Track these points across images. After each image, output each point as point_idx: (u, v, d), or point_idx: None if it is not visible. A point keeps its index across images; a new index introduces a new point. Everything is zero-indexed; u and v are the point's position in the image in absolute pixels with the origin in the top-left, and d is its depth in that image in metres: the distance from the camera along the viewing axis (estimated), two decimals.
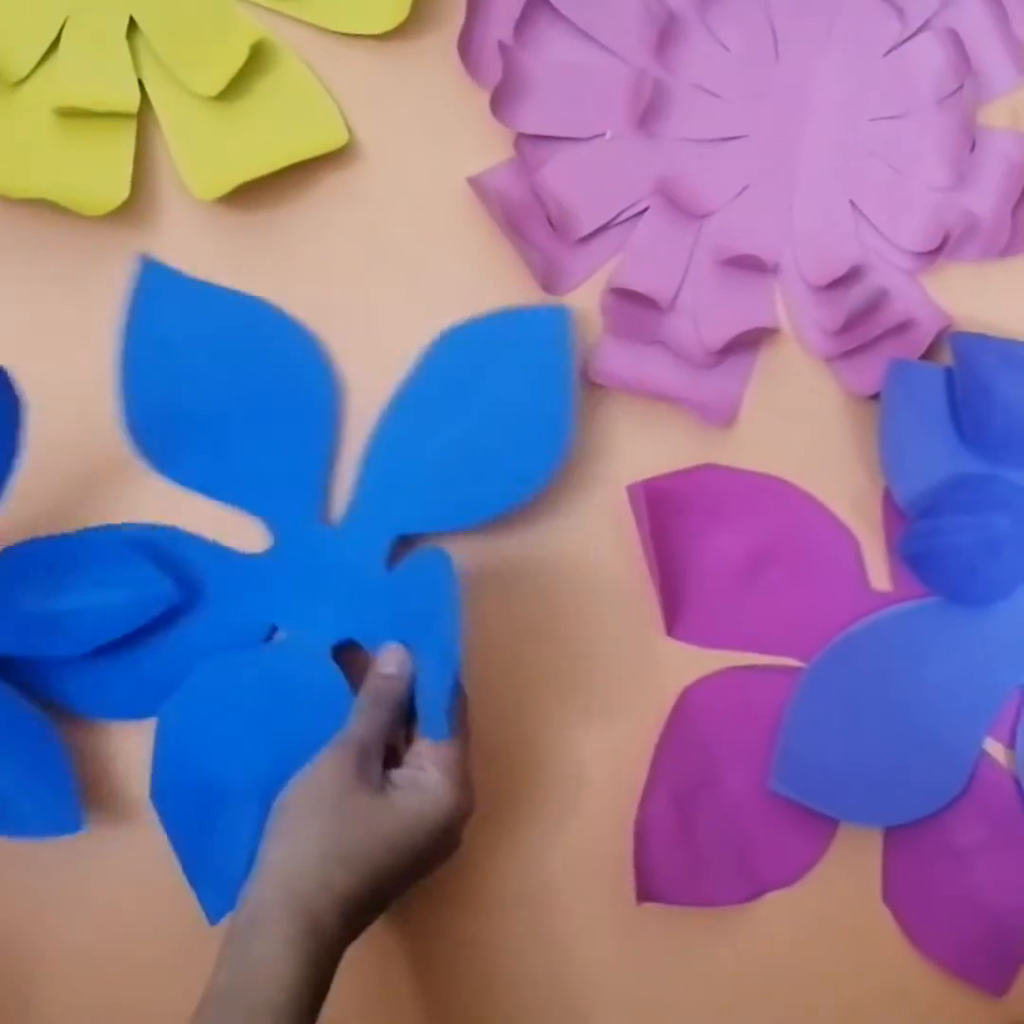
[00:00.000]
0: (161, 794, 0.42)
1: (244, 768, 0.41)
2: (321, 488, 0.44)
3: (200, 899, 0.41)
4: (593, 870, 0.44)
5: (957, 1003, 0.44)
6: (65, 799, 0.40)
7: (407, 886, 0.38)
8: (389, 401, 0.44)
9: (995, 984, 0.44)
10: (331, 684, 0.42)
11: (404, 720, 0.41)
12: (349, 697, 0.42)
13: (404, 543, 0.43)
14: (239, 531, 0.43)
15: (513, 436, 0.43)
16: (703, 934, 0.44)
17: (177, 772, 0.41)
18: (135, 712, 0.42)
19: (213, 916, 0.41)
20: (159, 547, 0.42)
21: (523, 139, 0.44)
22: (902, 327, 0.45)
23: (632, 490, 0.43)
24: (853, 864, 0.44)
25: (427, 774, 0.38)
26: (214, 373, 0.43)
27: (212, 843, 0.41)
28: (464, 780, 0.39)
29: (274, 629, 0.43)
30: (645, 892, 0.42)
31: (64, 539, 0.41)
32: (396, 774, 0.39)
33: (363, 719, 0.40)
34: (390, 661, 0.40)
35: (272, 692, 0.42)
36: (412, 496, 0.43)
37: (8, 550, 0.41)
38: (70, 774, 0.40)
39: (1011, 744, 0.45)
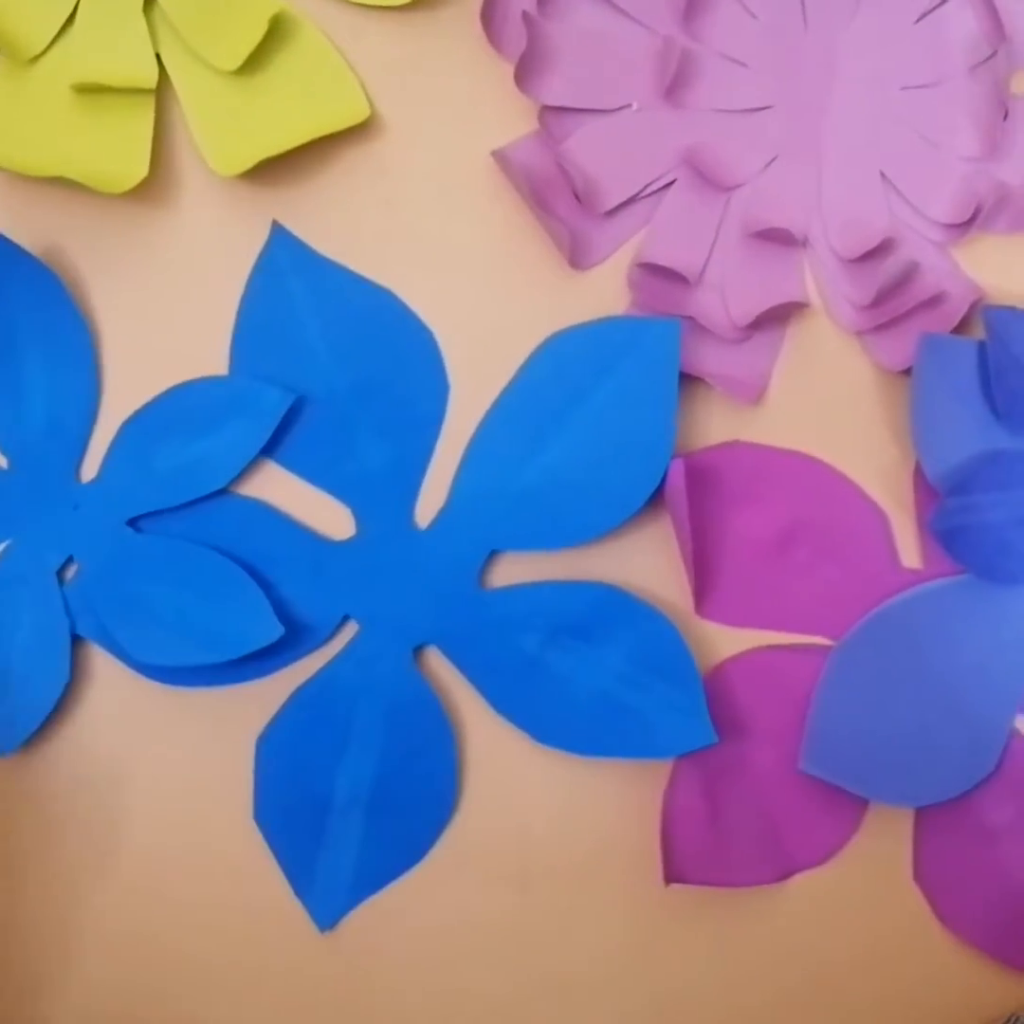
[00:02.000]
0: (263, 813, 0.42)
1: (343, 779, 0.42)
2: (415, 488, 0.43)
3: (308, 908, 0.43)
4: (619, 849, 0.43)
5: (989, 982, 0.44)
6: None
7: None
8: (492, 407, 0.43)
9: None
10: (413, 686, 0.43)
11: None
12: (434, 699, 0.42)
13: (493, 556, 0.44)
14: (321, 515, 0.44)
15: (613, 457, 0.42)
16: (731, 914, 0.44)
17: (278, 791, 0.42)
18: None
19: (322, 925, 0.43)
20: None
21: (547, 111, 0.44)
22: (934, 300, 0.44)
23: (673, 467, 0.42)
24: (883, 844, 0.44)
25: None
26: (327, 354, 0.43)
27: (317, 854, 0.42)
28: None
29: (346, 618, 0.43)
30: (673, 873, 0.42)
31: None
32: None
33: None
34: None
35: (358, 700, 0.43)
36: (508, 511, 0.43)
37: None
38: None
39: None
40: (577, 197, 0.43)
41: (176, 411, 0.43)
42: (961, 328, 0.44)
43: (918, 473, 0.44)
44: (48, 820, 0.44)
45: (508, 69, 0.43)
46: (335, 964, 0.43)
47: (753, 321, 0.43)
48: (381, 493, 0.43)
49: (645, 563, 0.44)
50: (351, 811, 0.42)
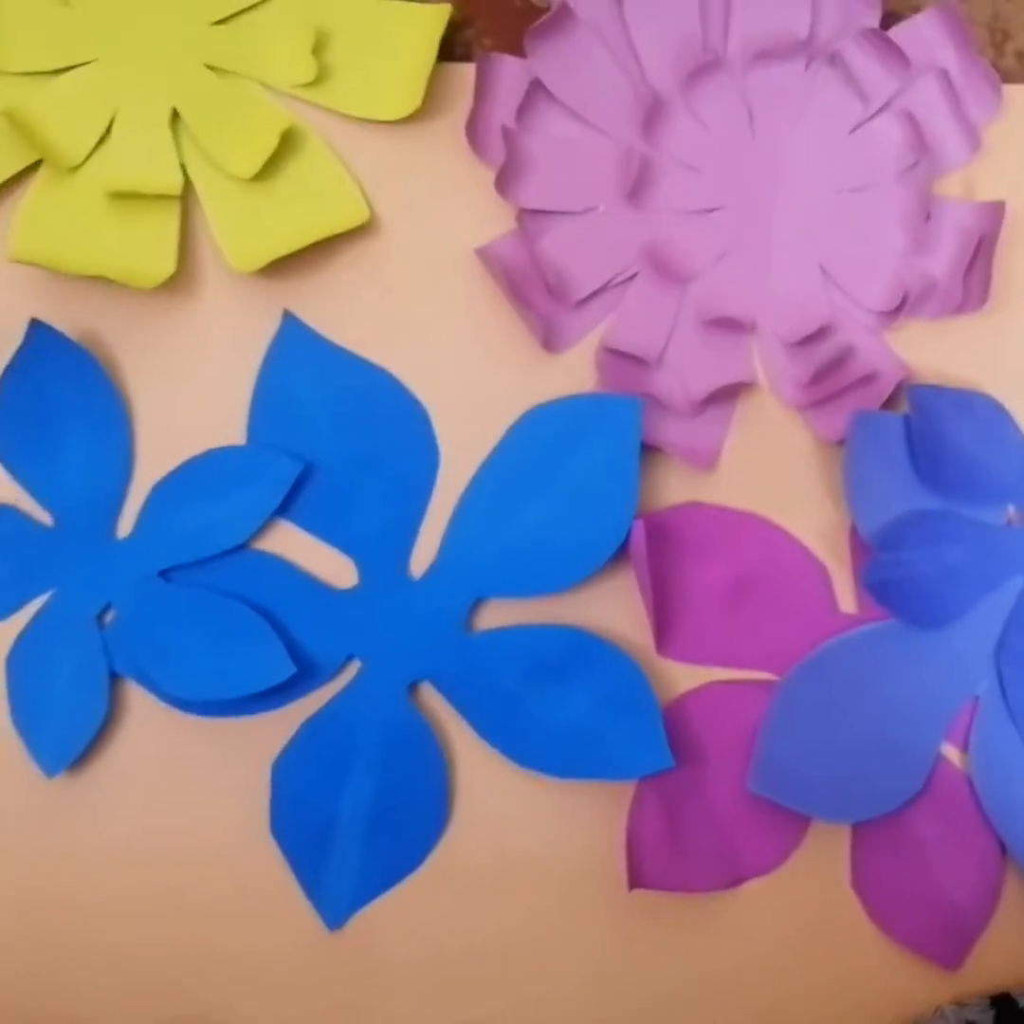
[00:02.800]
0: (279, 828, 0.47)
1: (348, 798, 0.47)
2: (410, 543, 0.48)
3: (318, 910, 0.47)
4: (590, 859, 0.47)
5: (917, 976, 0.48)
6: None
7: None
8: (477, 472, 0.48)
9: (950, 959, 0.48)
10: (409, 717, 0.47)
11: None
12: (427, 729, 0.47)
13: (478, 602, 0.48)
14: (328, 567, 0.48)
15: (583, 517, 0.46)
16: (689, 916, 0.48)
17: (291, 809, 0.47)
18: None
19: (330, 924, 0.47)
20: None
21: (524, 213, 0.48)
22: (866, 379, 0.48)
23: (635, 526, 0.46)
24: (824, 855, 0.48)
25: None
26: (332, 426, 0.48)
27: (325, 864, 0.47)
28: None
29: (349, 658, 0.47)
30: (637, 880, 0.46)
31: None
32: None
33: None
34: None
35: (361, 729, 0.47)
36: (491, 564, 0.47)
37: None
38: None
39: (965, 748, 0.48)
40: (550, 289, 0.48)
41: (200, 476, 0.48)
42: (890, 403, 0.49)
43: (853, 531, 0.48)
44: (90, 832, 0.47)
45: (489, 176, 0.48)
46: (341, 957, 0.47)
47: (706, 397, 0.48)
48: (380, 547, 0.48)
49: (611, 609, 0.48)
50: (354, 827, 0.47)
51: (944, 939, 0.48)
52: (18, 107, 0.47)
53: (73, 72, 0.48)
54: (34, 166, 0.48)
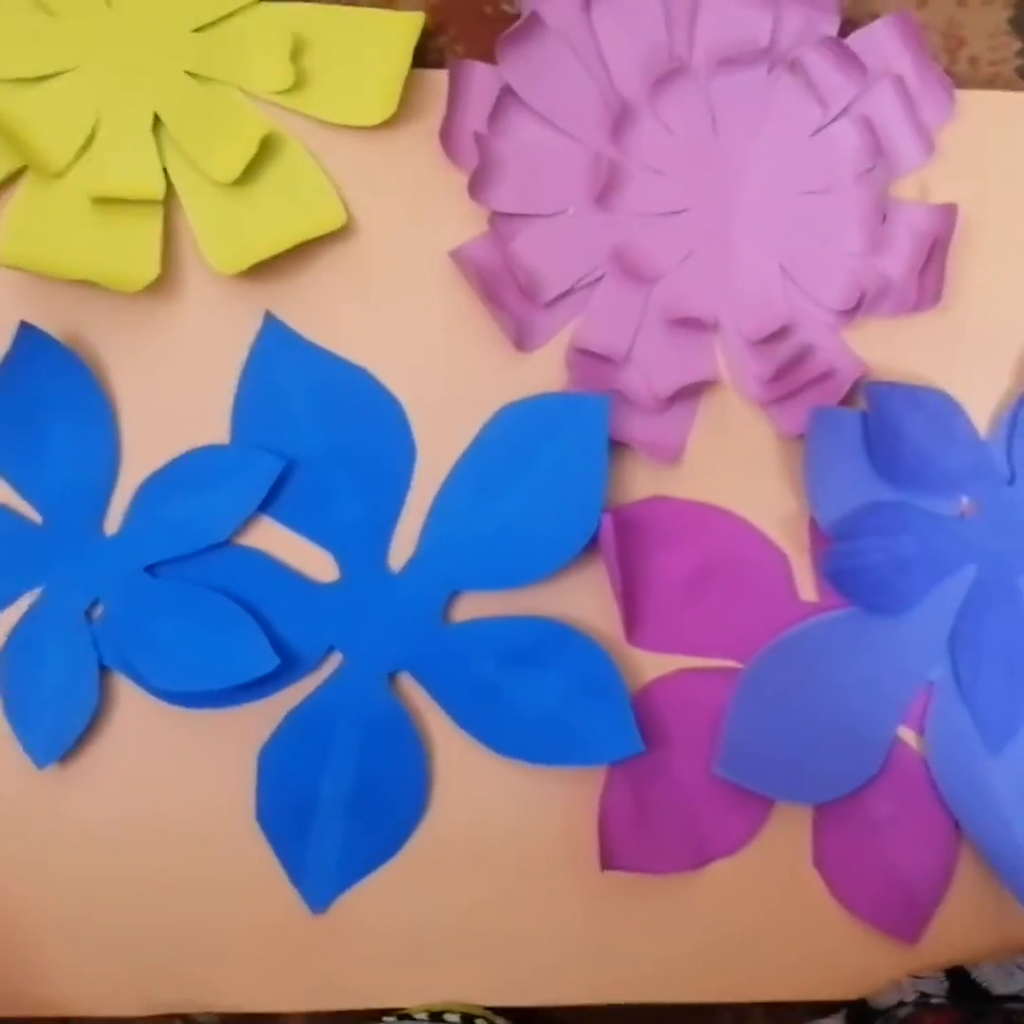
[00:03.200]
0: (265, 815, 0.48)
1: (329, 785, 0.48)
2: (388, 537, 0.49)
3: (302, 894, 0.49)
4: (564, 841, 0.49)
5: (877, 950, 0.50)
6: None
7: None
8: (452, 468, 0.49)
9: (908, 933, 0.50)
10: (389, 706, 0.49)
11: None
12: (406, 717, 0.49)
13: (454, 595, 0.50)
14: (309, 561, 0.49)
15: (554, 511, 0.48)
16: (658, 895, 0.49)
17: (276, 796, 0.48)
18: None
19: (314, 907, 0.49)
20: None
21: (496, 216, 0.50)
22: (825, 376, 0.50)
23: (603, 520, 0.48)
24: (786, 835, 0.50)
25: None
26: (313, 424, 0.49)
27: (308, 849, 0.48)
28: None
29: (331, 649, 0.49)
30: (608, 861, 0.48)
31: None
32: None
33: None
34: None
35: (343, 718, 0.48)
36: (467, 557, 0.49)
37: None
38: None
39: (921, 731, 0.50)
40: (522, 290, 0.49)
41: (185, 474, 0.49)
42: (848, 399, 0.50)
43: (812, 522, 0.50)
44: (81, 821, 0.49)
45: (463, 180, 0.49)
46: (325, 938, 0.49)
47: (672, 394, 0.50)
48: (360, 542, 0.49)
49: (582, 600, 0.50)
50: (336, 812, 0.48)
51: (902, 914, 0.50)
52: (2, 114, 0.48)
53: (56, 79, 0.49)
54: (19, 172, 0.49)
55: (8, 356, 0.49)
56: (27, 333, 0.49)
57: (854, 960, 0.50)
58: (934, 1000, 0.48)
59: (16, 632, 0.49)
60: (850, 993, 0.50)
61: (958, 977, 0.49)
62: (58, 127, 0.49)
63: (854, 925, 0.50)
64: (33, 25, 0.50)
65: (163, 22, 0.50)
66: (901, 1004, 0.48)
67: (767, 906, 0.50)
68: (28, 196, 0.49)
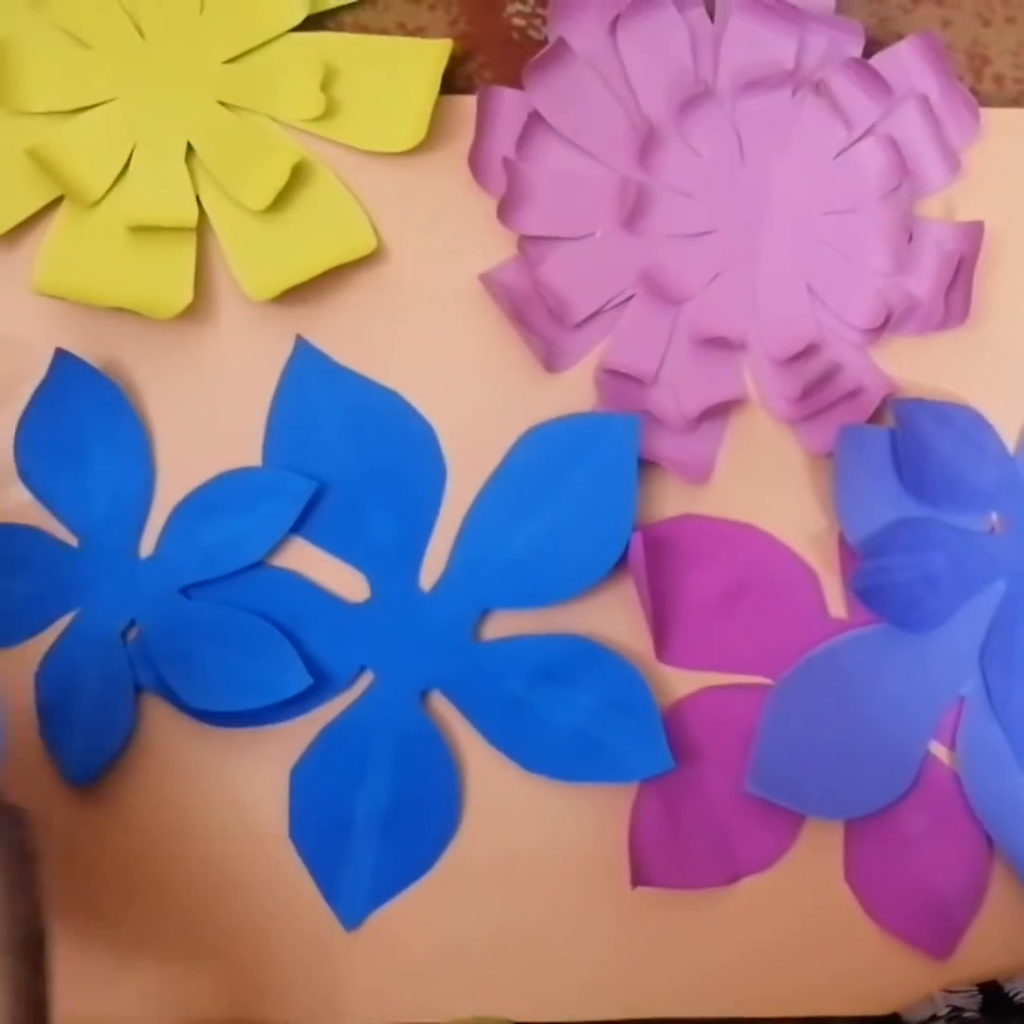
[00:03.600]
0: (297, 833, 0.49)
1: (362, 803, 0.49)
2: (419, 557, 0.50)
3: (335, 911, 0.49)
4: (594, 858, 0.49)
5: (909, 967, 0.50)
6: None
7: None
8: (482, 488, 0.50)
9: (941, 949, 0.50)
10: (420, 724, 0.49)
11: None
12: (438, 735, 0.49)
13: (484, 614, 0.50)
14: (341, 582, 0.50)
15: (584, 530, 0.49)
16: (689, 912, 0.49)
17: (309, 814, 0.49)
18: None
19: (346, 923, 0.49)
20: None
21: (525, 240, 0.50)
22: (852, 394, 0.50)
23: (633, 538, 0.48)
24: (818, 851, 0.50)
25: None
26: (344, 446, 0.50)
27: (341, 867, 0.49)
28: None
29: (362, 669, 0.49)
30: (639, 878, 0.48)
31: None
32: None
33: None
34: None
35: (375, 737, 0.49)
36: (498, 576, 0.49)
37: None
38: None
39: (952, 746, 0.50)
40: (551, 312, 0.50)
41: (218, 497, 0.50)
42: (876, 417, 0.50)
43: (842, 539, 0.50)
44: (115, 840, 0.49)
45: (492, 204, 0.50)
46: (359, 954, 0.49)
47: (700, 414, 0.50)
48: (391, 562, 0.50)
49: (612, 618, 0.50)
50: (369, 830, 0.49)
51: (934, 930, 0.50)
52: (40, 145, 0.49)
53: (92, 111, 0.50)
54: (56, 202, 0.50)
55: (44, 383, 0.50)
56: (62, 360, 0.49)
57: (886, 975, 0.50)
58: (967, 1014, 0.48)
59: (52, 653, 0.49)
60: (882, 1009, 0.50)
61: (991, 992, 0.49)
62: (94, 158, 0.50)
63: (886, 940, 0.50)
64: (69, 59, 0.50)
65: (195, 54, 0.51)
66: (934, 1018, 0.48)
67: (798, 922, 0.50)
68: (64, 225, 0.50)
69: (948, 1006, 0.48)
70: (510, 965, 0.50)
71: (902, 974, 0.50)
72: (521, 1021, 0.49)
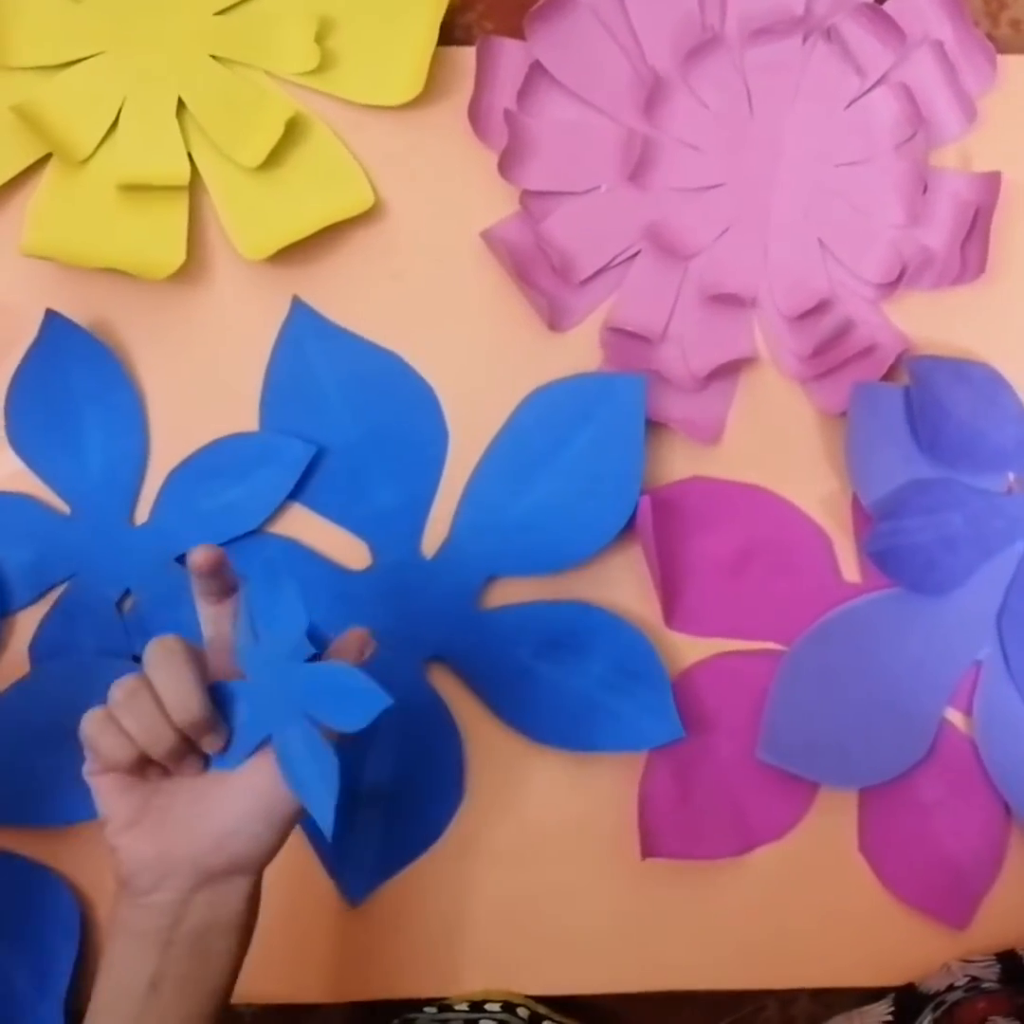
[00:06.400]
0: None
1: (368, 777, 0.48)
2: (421, 523, 0.49)
3: (340, 886, 0.48)
4: (604, 829, 0.49)
5: (924, 935, 0.49)
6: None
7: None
8: (486, 452, 0.49)
9: (958, 919, 0.49)
10: (425, 695, 0.48)
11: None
12: (443, 706, 0.48)
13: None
14: (342, 549, 0.49)
15: (591, 493, 0.48)
16: (701, 883, 0.49)
17: None
18: None
19: (352, 899, 0.48)
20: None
21: (528, 195, 0.49)
22: (866, 351, 0.49)
23: (641, 502, 0.47)
24: (832, 820, 0.49)
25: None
26: (343, 409, 0.49)
27: (346, 841, 0.48)
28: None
29: None
30: (649, 849, 0.48)
31: None
32: None
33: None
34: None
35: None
36: (502, 542, 0.48)
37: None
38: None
39: (969, 712, 0.49)
40: (554, 269, 0.49)
41: (214, 462, 0.49)
42: (890, 374, 0.49)
43: (855, 501, 0.49)
44: None
45: (493, 158, 0.49)
46: (365, 929, 0.49)
47: (709, 373, 0.49)
48: (392, 528, 0.49)
49: (620, 583, 0.49)
50: (374, 805, 0.48)
51: (951, 899, 0.50)
52: (26, 102, 0.48)
53: (80, 65, 0.49)
54: (43, 160, 0.49)
55: (34, 345, 0.48)
56: (53, 322, 0.48)
57: (902, 945, 0.50)
58: (985, 984, 0.47)
59: (46, 623, 0.48)
60: (898, 978, 0.49)
61: (1009, 961, 0.48)
62: (82, 113, 0.49)
63: (901, 910, 0.50)
64: (57, 11, 0.49)
65: (186, 6, 0.49)
66: (951, 988, 0.47)
67: (813, 892, 0.50)
68: (52, 185, 0.49)
69: (965, 976, 0.47)
70: (519, 939, 0.49)
71: (918, 944, 0.50)
72: (532, 994, 0.49)
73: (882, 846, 0.50)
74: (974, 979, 0.47)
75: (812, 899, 0.49)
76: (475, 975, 0.49)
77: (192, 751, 0.37)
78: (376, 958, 0.49)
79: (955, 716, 0.50)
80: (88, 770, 0.37)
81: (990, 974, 0.48)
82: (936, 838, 0.49)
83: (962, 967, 0.48)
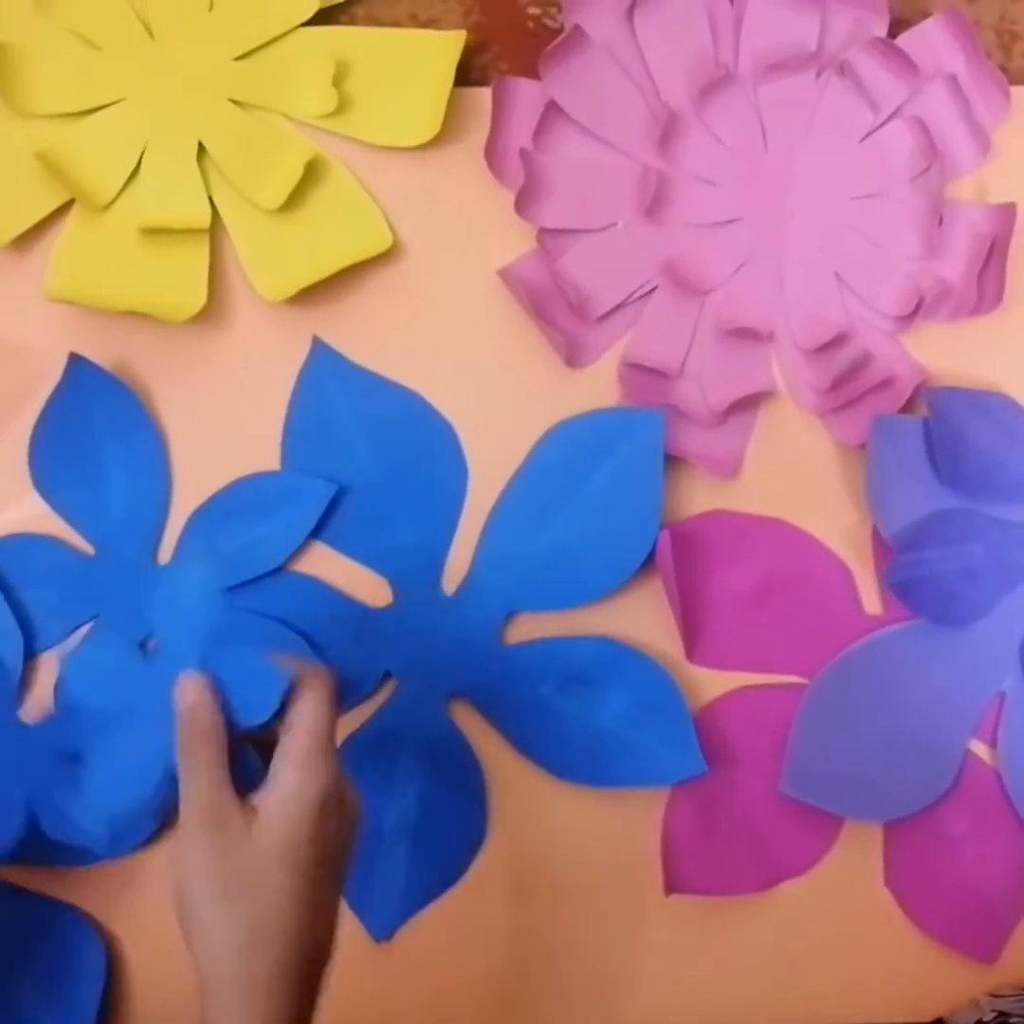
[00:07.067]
0: None
1: (391, 812, 0.48)
2: (442, 560, 0.49)
3: (363, 922, 0.48)
4: (626, 865, 0.49)
5: (952, 971, 0.49)
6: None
7: (324, 880, 0.38)
8: (505, 488, 0.49)
9: (986, 953, 0.49)
10: (447, 731, 0.49)
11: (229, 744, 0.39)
12: (465, 742, 0.48)
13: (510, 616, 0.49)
14: (363, 586, 0.49)
15: (611, 529, 0.48)
16: (725, 919, 0.49)
17: None
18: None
19: (377, 936, 0.48)
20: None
21: (544, 233, 0.49)
22: (884, 383, 0.49)
23: (661, 536, 0.47)
24: (857, 854, 0.49)
25: (274, 769, 0.38)
26: (363, 448, 0.49)
27: (372, 878, 0.48)
28: (307, 760, 0.37)
29: (387, 675, 0.49)
30: (673, 884, 0.48)
31: None
32: (259, 792, 0.37)
33: (191, 776, 0.37)
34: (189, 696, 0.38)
35: (401, 744, 0.48)
36: (523, 578, 0.48)
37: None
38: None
39: (993, 743, 0.49)
40: (572, 306, 0.49)
41: (236, 502, 0.49)
42: (909, 406, 0.49)
43: (876, 533, 0.49)
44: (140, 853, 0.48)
45: (509, 197, 0.49)
46: (390, 967, 0.48)
47: (728, 407, 0.49)
48: (413, 565, 0.49)
49: (641, 618, 0.49)
50: (397, 841, 0.48)
51: (979, 933, 0.49)
52: (50, 148, 0.48)
53: (101, 112, 0.50)
54: (66, 205, 0.49)
55: (58, 388, 0.49)
56: (77, 365, 0.49)
57: (929, 980, 0.49)
58: (1014, 1019, 0.47)
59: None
60: (927, 1014, 0.49)
61: None
62: (104, 159, 0.49)
63: (929, 944, 0.49)
64: (78, 60, 0.50)
65: (206, 52, 0.50)
66: (980, 1023, 0.47)
67: (839, 927, 0.49)
68: (75, 230, 0.49)
69: (994, 1011, 0.47)
70: (543, 975, 0.49)
71: (946, 978, 0.49)
72: None
73: (908, 880, 0.49)
74: (1003, 1014, 0.47)
75: (838, 934, 0.49)
76: (497, 1013, 0.49)
77: None
78: (400, 995, 0.49)
79: (979, 748, 0.49)
80: None
81: (1019, 1008, 0.47)
82: (963, 871, 0.49)
83: (991, 1001, 0.48)
